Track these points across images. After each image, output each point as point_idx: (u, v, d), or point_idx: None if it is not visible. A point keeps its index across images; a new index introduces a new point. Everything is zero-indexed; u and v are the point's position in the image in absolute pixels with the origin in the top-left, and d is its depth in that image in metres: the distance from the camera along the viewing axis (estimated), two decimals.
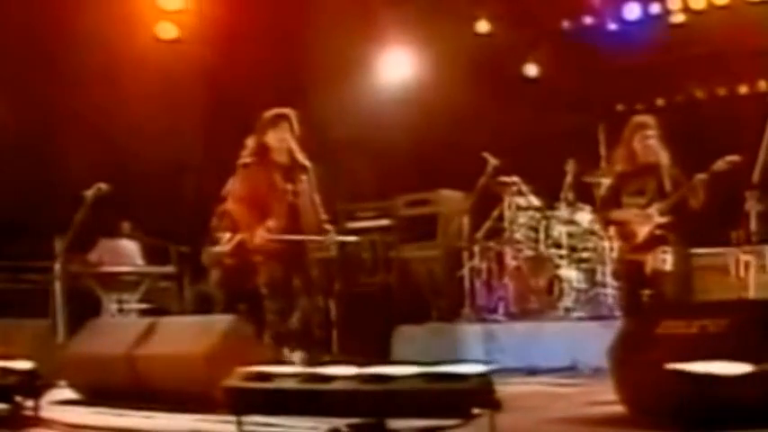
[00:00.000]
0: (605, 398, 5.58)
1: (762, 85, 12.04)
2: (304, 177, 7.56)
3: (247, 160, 7.66)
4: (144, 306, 10.88)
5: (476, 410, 4.61)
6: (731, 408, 4.51)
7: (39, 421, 5.54)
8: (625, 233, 7.80)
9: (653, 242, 7.66)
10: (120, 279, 10.99)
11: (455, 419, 4.66)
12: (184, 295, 11.00)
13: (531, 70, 12.47)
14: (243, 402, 5.12)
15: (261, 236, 7.49)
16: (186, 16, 12.02)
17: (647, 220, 7.66)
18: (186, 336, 6.56)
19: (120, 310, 10.81)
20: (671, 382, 4.68)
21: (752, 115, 10.31)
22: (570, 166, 9.45)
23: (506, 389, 6.93)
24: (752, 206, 6.98)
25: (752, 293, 7.05)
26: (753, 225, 7.04)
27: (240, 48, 11.87)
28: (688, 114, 11.77)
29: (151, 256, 11.49)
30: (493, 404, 4.65)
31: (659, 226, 7.66)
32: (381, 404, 4.77)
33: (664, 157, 7.81)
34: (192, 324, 6.94)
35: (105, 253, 11.39)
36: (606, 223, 8.25)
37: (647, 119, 7.99)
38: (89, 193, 9.23)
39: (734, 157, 7.54)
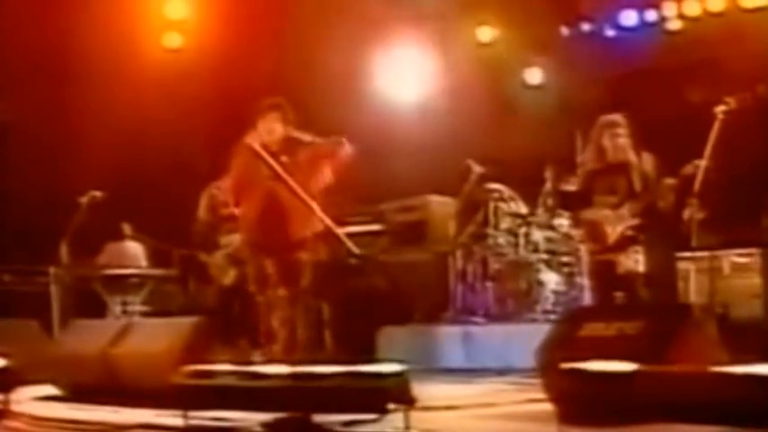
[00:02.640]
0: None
1: (761, 89, 12.30)
2: (285, 158, 7.41)
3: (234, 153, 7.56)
4: (147, 308, 11.43)
5: (390, 406, 5.11)
6: (624, 405, 4.95)
7: (7, 414, 6.12)
8: (596, 234, 7.99)
9: (624, 243, 7.87)
10: (124, 281, 11.54)
11: (373, 414, 5.17)
12: (188, 297, 11.52)
13: (533, 77, 12.81)
14: (187, 398, 5.67)
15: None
16: (191, 25, 12.63)
17: (618, 220, 7.86)
18: (156, 336, 7.11)
19: (125, 312, 11.36)
20: (573, 380, 5.14)
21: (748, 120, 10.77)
22: (549, 173, 9.85)
23: (460, 387, 7.50)
24: (693, 214, 7.34)
25: (692, 298, 7.41)
26: (694, 232, 7.39)
27: (244, 55, 12.40)
28: (684, 119, 12.07)
29: (155, 258, 12.02)
30: (407, 400, 5.15)
31: (630, 227, 7.86)
32: (308, 400, 5.29)
33: (633, 156, 8.04)
34: (163, 325, 7.49)
35: (112, 256, 11.97)
36: (577, 223, 8.48)
37: (617, 117, 8.18)
38: (84, 200, 9.91)
39: (702, 162, 7.80)
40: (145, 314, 11.18)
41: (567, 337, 5.72)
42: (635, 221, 7.85)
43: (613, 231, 7.89)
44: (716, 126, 7.44)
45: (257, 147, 7.42)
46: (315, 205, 7.37)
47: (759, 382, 4.92)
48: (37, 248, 11.03)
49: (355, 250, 7.74)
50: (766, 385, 4.92)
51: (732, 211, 9.10)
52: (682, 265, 9.65)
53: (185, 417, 5.63)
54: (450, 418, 5.71)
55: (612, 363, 4.89)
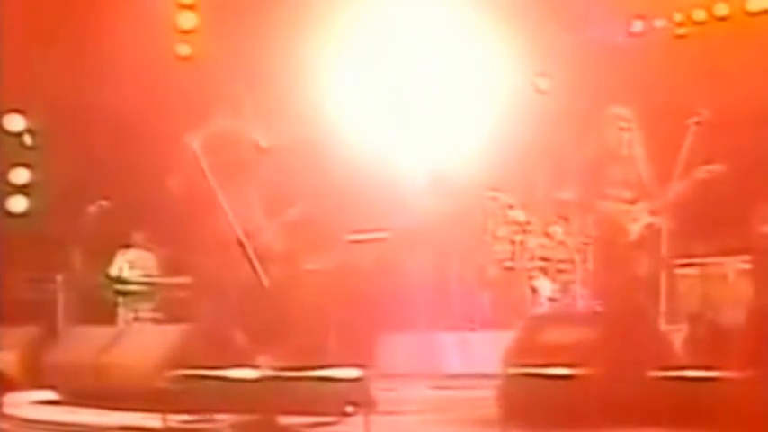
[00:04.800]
0: None
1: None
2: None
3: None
4: (158, 315, 11.86)
5: (349, 409, 5.52)
6: (565, 409, 5.33)
7: None
8: (615, 228, 7.97)
9: (643, 242, 7.90)
10: (135, 289, 12.00)
11: (334, 417, 5.58)
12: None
13: (541, 83, 13.09)
14: (168, 401, 6.13)
15: None
16: (200, 36, 13.16)
17: (637, 216, 7.91)
18: (148, 343, 7.57)
19: (136, 319, 11.82)
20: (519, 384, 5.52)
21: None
22: (544, 180, 10.21)
23: (449, 393, 7.85)
24: (663, 223, 7.62)
25: (662, 307, 7.71)
26: (664, 242, 7.69)
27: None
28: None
29: (166, 266, 12.43)
30: (367, 403, 5.55)
31: (651, 225, 7.91)
32: (274, 402, 5.72)
33: (641, 150, 8.13)
34: (155, 332, 7.95)
35: (124, 264, 12.45)
36: (587, 211, 8.41)
37: (623, 110, 8.30)
38: (92, 209, 10.41)
39: (715, 167, 7.99)
40: (155, 321, 11.61)
41: (522, 344, 6.08)
42: (654, 220, 7.95)
43: (632, 227, 7.90)
44: (689, 136, 7.71)
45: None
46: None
47: (701, 386, 5.30)
48: (50, 256, 11.54)
49: (264, 279, 7.76)
50: (708, 389, 5.30)
51: (719, 218, 9.38)
52: (684, 272, 10.06)
53: (164, 419, 6.08)
54: (411, 423, 6.08)
55: (554, 368, 5.25)
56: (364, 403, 5.52)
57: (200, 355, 7.16)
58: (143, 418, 6.35)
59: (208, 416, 6.02)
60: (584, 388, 5.43)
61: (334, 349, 9.98)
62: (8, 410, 6.80)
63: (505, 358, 5.97)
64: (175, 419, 6.08)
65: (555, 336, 5.93)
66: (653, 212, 7.97)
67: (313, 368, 5.72)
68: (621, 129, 8.13)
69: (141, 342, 7.59)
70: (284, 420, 5.72)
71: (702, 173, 7.95)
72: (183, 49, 13.32)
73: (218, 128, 7.85)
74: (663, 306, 8.12)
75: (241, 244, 7.59)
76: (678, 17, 12.42)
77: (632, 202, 8.02)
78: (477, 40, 12.38)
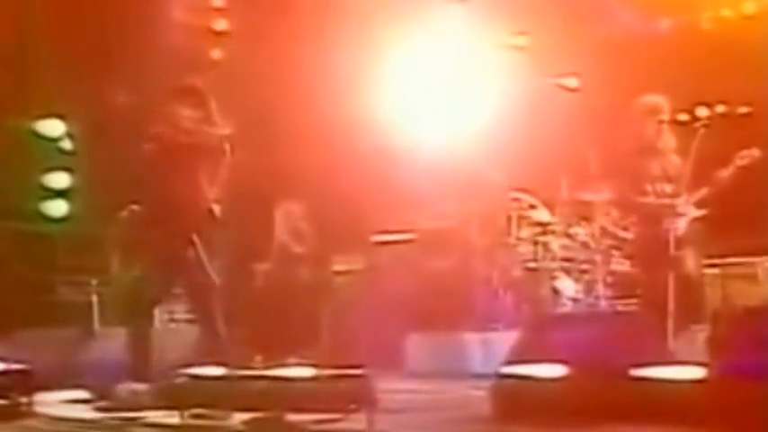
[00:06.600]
0: None
1: None
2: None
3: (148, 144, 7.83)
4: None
5: (353, 406, 5.95)
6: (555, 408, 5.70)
7: (29, 414, 7.13)
8: (653, 224, 8.14)
9: (687, 240, 8.06)
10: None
11: (338, 414, 6.01)
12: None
13: (570, 83, 13.34)
14: (185, 398, 6.63)
15: None
16: (229, 38, 13.66)
17: (680, 212, 8.08)
18: (167, 341, 8.09)
19: (171, 321, 12.33)
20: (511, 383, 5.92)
21: None
22: (566, 180, 10.52)
23: (447, 392, 8.23)
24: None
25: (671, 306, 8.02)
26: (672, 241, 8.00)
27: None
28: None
29: None
30: (370, 401, 5.98)
31: (696, 219, 8.12)
32: (280, 400, 6.17)
33: (674, 141, 8.32)
34: (174, 331, 8.45)
35: None
36: (627, 208, 8.63)
37: (660, 100, 8.46)
38: (123, 214, 10.91)
39: (754, 152, 8.16)
40: (190, 322, 12.12)
41: (531, 344, 6.48)
42: (699, 213, 8.13)
43: (675, 224, 8.04)
44: (696, 139, 8.00)
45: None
46: None
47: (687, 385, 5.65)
48: (87, 259, 12.06)
49: (214, 277, 7.85)
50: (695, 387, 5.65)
51: (740, 218, 9.63)
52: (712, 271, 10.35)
53: (182, 416, 6.56)
54: (413, 420, 6.48)
55: (543, 367, 5.64)
56: (367, 401, 5.94)
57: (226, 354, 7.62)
58: (162, 416, 6.83)
59: (221, 413, 6.47)
60: (576, 387, 5.80)
61: (361, 349, 10.43)
62: (39, 409, 7.30)
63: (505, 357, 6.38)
64: (192, 415, 6.55)
65: (552, 336, 6.31)
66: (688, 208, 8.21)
67: (318, 367, 6.16)
68: (659, 120, 8.24)
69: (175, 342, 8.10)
70: (291, 418, 6.15)
71: (743, 159, 8.11)
72: (216, 53, 13.83)
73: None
74: (673, 305, 8.42)
75: (192, 242, 7.72)
76: (706, 14, 12.69)
77: (669, 197, 8.23)
78: (500, 37, 12.72)
